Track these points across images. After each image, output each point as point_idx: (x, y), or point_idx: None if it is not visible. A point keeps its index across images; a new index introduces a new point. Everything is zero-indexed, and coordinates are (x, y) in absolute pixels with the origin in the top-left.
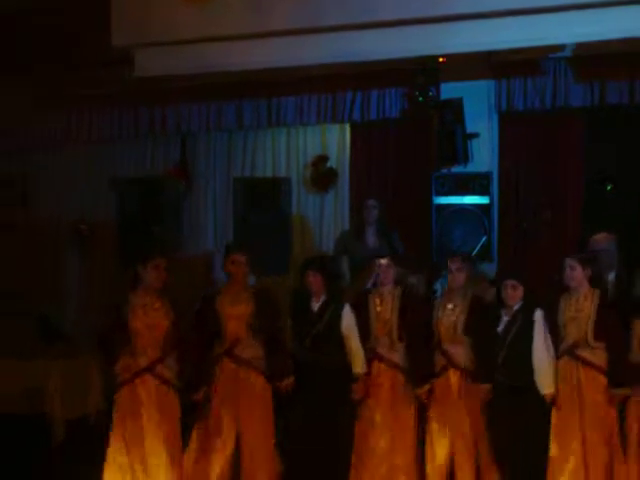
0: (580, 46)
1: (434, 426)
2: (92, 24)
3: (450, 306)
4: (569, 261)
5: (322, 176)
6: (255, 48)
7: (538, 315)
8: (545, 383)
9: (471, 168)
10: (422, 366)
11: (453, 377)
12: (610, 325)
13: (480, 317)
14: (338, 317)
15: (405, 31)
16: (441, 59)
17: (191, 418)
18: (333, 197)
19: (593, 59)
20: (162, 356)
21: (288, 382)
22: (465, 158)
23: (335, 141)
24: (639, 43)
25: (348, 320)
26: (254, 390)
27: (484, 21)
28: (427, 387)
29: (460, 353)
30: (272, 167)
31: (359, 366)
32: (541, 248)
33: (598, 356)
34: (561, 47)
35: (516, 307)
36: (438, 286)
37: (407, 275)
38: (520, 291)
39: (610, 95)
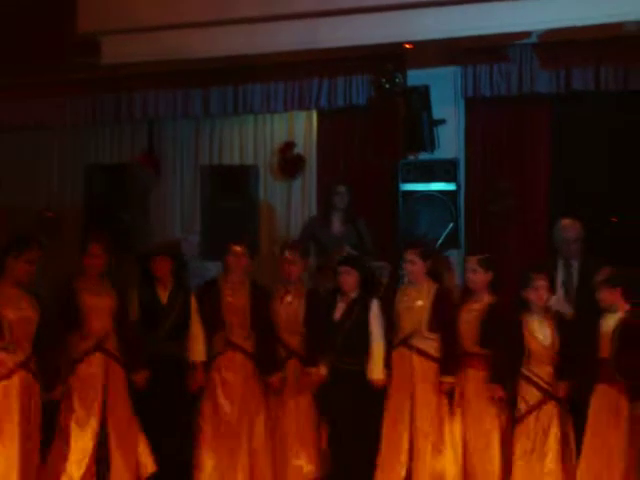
0: (546, 33)
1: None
2: (58, 9)
3: (289, 298)
4: (409, 255)
5: (289, 163)
6: (220, 35)
7: (374, 304)
8: (375, 369)
9: (438, 155)
10: (270, 355)
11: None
12: (444, 318)
13: (314, 307)
14: (188, 305)
15: (371, 18)
16: (407, 46)
17: None
18: (300, 184)
19: (559, 46)
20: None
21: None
22: (432, 145)
23: (302, 128)
24: (604, 30)
25: (195, 309)
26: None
27: (450, 8)
28: (279, 375)
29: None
30: (239, 154)
31: (197, 354)
32: (508, 234)
33: (431, 346)
34: (527, 34)
35: (353, 295)
36: (404, 272)
37: (371, 261)
38: (354, 277)
39: (576, 81)
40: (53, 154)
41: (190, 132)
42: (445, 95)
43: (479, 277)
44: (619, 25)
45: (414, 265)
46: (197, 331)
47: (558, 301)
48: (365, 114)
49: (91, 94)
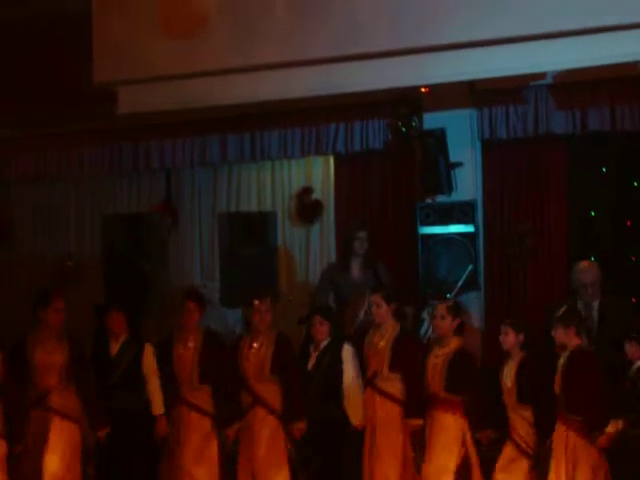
0: (561, 73)
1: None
2: (74, 60)
3: (256, 345)
4: (374, 298)
5: (307, 208)
6: (238, 82)
7: (347, 349)
8: (354, 415)
9: (455, 197)
10: (228, 407)
11: (260, 414)
12: (405, 357)
13: (286, 354)
14: (140, 358)
15: (387, 62)
16: (423, 89)
17: None
18: (318, 229)
19: (574, 86)
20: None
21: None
22: (449, 187)
23: (320, 173)
24: (619, 69)
25: (149, 361)
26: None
27: (466, 51)
28: (236, 427)
29: (268, 390)
30: (257, 201)
31: (158, 407)
32: (527, 275)
33: (394, 387)
34: (542, 75)
35: (324, 343)
36: (425, 315)
37: (402, 306)
38: (326, 326)
39: (592, 122)
40: (71, 204)
41: (208, 179)
42: (461, 138)
43: (446, 323)
44: (634, 65)
45: (380, 308)
46: (154, 384)
47: None
48: (382, 158)
49: (108, 144)
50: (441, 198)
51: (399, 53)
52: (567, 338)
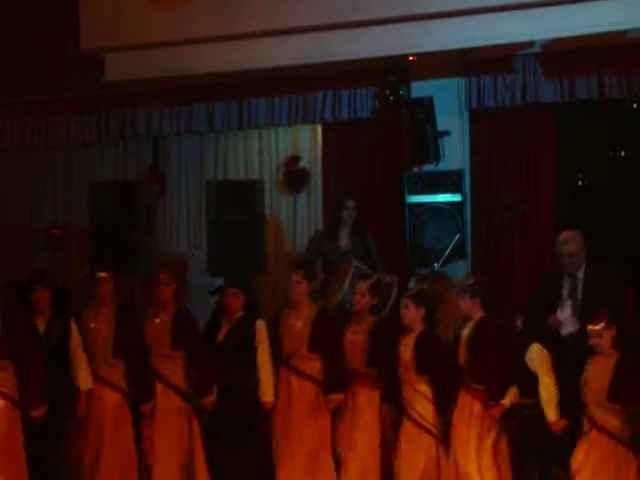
0: (549, 42)
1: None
2: (62, 27)
3: (157, 320)
4: (294, 276)
5: (295, 177)
6: (225, 50)
7: (260, 325)
8: (265, 391)
9: (443, 166)
10: (140, 384)
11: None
12: (324, 338)
13: (185, 330)
14: (67, 334)
15: (375, 31)
16: (411, 58)
17: None
18: (306, 198)
19: (562, 55)
20: None
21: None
22: (437, 156)
23: (307, 142)
24: (607, 38)
25: (76, 336)
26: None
27: (454, 19)
28: (151, 405)
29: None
30: (245, 169)
31: (84, 383)
32: (514, 244)
33: (311, 366)
34: (530, 44)
35: (238, 315)
36: (412, 284)
37: (383, 275)
38: (241, 299)
39: (580, 90)
40: (58, 172)
41: (195, 148)
42: (449, 106)
43: (365, 301)
44: (622, 33)
45: (299, 285)
46: (80, 358)
47: (563, 315)
48: (370, 127)
49: (95, 111)
50: (429, 167)
51: (388, 21)
52: (472, 309)
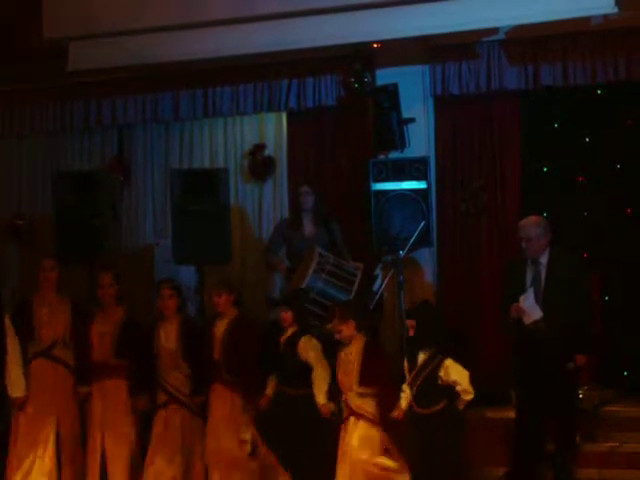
0: (513, 29)
1: None
2: (25, 16)
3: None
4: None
5: (260, 165)
6: (187, 39)
7: None
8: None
9: (408, 153)
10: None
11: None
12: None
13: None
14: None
15: (339, 18)
16: (376, 45)
17: None
18: (271, 186)
19: (526, 41)
20: None
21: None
22: (402, 143)
23: (272, 130)
24: (572, 24)
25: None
26: None
27: (418, 6)
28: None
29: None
30: (210, 158)
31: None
32: (480, 231)
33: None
34: (494, 30)
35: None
36: (378, 272)
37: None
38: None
39: (544, 77)
40: (22, 162)
41: (160, 136)
42: (414, 94)
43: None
44: (586, 20)
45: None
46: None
47: (527, 301)
48: (334, 114)
49: (59, 101)
50: (394, 154)
51: (351, 8)
52: (224, 305)
